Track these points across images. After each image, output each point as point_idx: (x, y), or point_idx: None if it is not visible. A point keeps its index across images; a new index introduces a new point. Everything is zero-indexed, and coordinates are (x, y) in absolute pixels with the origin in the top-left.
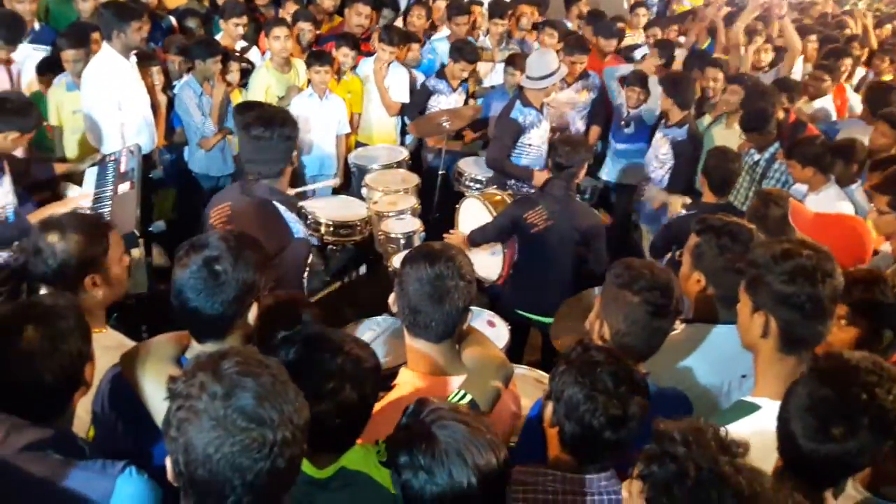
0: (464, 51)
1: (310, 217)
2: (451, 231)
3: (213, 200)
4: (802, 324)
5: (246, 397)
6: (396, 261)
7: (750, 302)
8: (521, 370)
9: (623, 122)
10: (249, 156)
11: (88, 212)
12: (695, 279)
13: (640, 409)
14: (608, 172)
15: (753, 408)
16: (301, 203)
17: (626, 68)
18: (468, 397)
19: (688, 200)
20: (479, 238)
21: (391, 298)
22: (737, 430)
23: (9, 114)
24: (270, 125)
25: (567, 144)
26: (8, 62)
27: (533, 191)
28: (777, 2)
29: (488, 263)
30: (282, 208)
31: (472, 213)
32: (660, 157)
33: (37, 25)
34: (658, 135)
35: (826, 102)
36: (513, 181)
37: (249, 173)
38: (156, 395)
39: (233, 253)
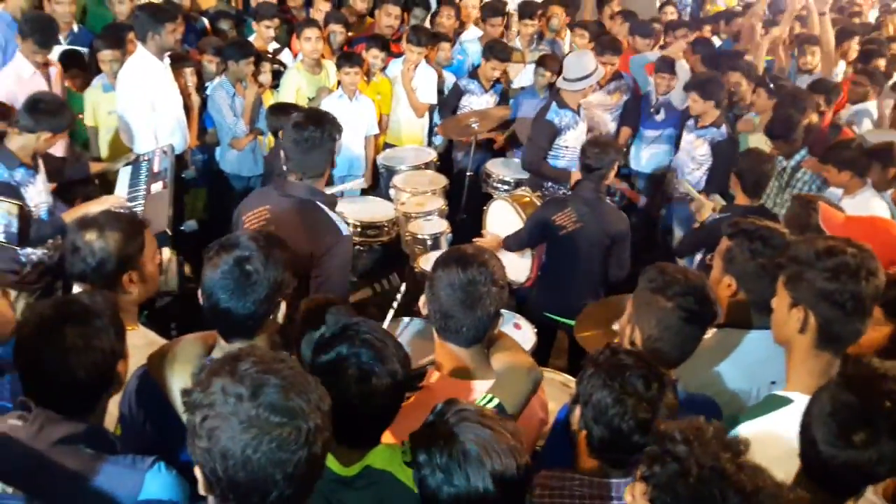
0: (495, 49)
1: None
2: (482, 233)
3: (245, 205)
4: (842, 321)
5: (272, 393)
6: (424, 262)
7: (789, 297)
8: (547, 373)
9: (653, 109)
10: (295, 155)
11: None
12: (726, 283)
13: (670, 413)
14: (635, 160)
15: (785, 401)
16: None
17: (653, 55)
18: (495, 401)
19: (718, 206)
20: (514, 244)
21: (421, 301)
22: (768, 423)
23: (41, 114)
24: (320, 125)
25: (596, 146)
26: (46, 64)
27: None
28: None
29: (517, 266)
30: (325, 207)
31: (501, 215)
32: (697, 158)
33: (75, 27)
34: (690, 136)
35: (869, 106)
36: (549, 183)
37: (292, 173)
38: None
39: (263, 252)
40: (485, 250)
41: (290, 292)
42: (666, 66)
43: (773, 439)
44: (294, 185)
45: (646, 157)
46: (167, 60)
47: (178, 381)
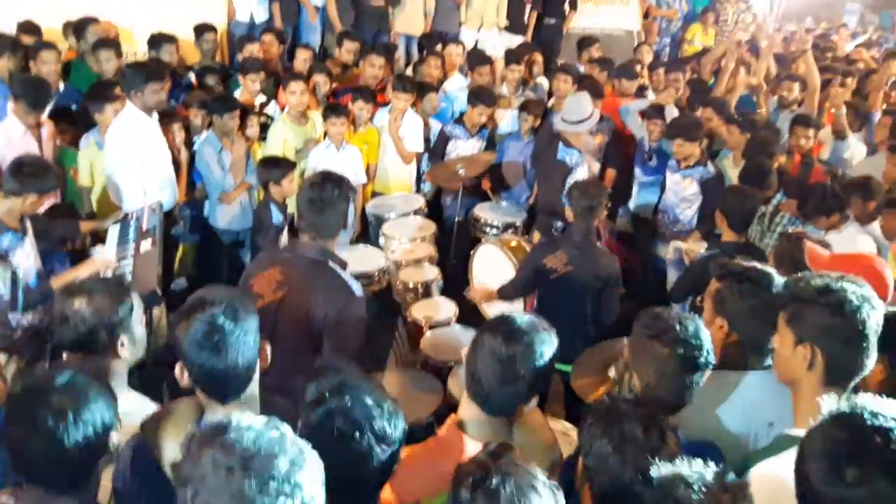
0: (482, 95)
1: None
2: (471, 284)
3: (255, 266)
4: (849, 355)
5: (264, 464)
6: (416, 311)
7: (793, 335)
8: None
9: (646, 156)
10: (308, 215)
11: (109, 274)
12: (718, 325)
13: (671, 461)
14: (636, 203)
15: (796, 441)
16: None
17: (642, 103)
18: None
19: (703, 244)
20: (510, 293)
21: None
22: (780, 463)
23: (26, 177)
24: (335, 185)
25: (584, 188)
26: (38, 124)
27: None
28: (800, 37)
29: (508, 312)
30: (337, 268)
31: (489, 260)
32: (687, 197)
33: (61, 86)
34: (676, 177)
35: (853, 140)
36: (559, 224)
37: (304, 232)
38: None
39: (229, 305)
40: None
41: (266, 336)
42: (656, 112)
43: (785, 480)
44: (306, 246)
45: (645, 201)
46: (156, 116)
47: (173, 449)
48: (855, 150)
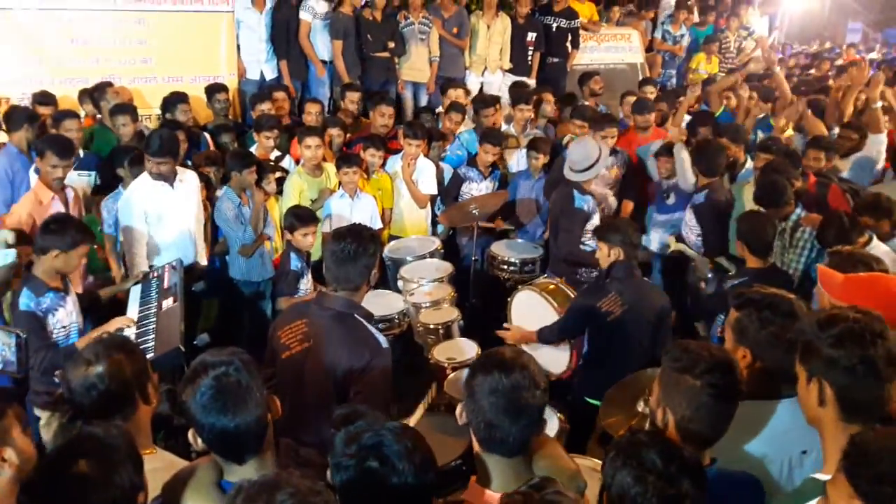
0: (488, 135)
1: None
2: (506, 326)
3: (282, 320)
4: (857, 388)
5: None
6: (438, 352)
7: (804, 372)
8: (577, 460)
9: (664, 194)
10: (332, 266)
11: (134, 332)
12: (740, 355)
13: (696, 490)
14: (651, 242)
15: (821, 486)
16: None
17: (658, 143)
18: None
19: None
20: (553, 336)
21: (458, 410)
22: None
23: (49, 234)
24: (357, 239)
25: (618, 227)
26: (63, 188)
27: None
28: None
29: (554, 357)
30: (363, 320)
31: (527, 306)
32: (689, 224)
33: (81, 153)
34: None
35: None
36: (582, 269)
37: (330, 285)
38: None
39: (239, 363)
40: (521, 352)
41: (273, 413)
42: (664, 150)
43: None
44: (332, 299)
45: (656, 239)
46: (190, 176)
47: None
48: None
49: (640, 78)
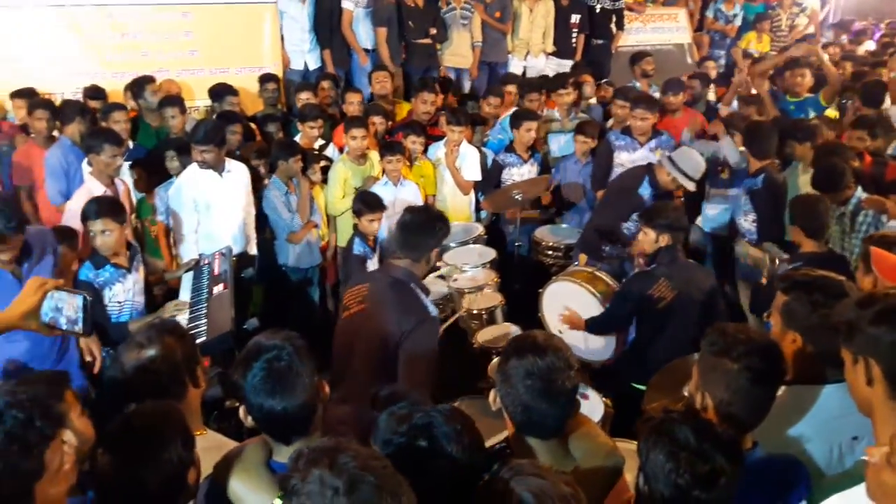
0: (520, 115)
1: None
2: (567, 311)
3: (351, 282)
4: None
5: (367, 491)
6: (481, 337)
7: (850, 354)
8: (620, 444)
9: (719, 168)
10: (401, 236)
11: (186, 317)
12: (790, 339)
13: (731, 467)
14: (705, 220)
15: None
16: None
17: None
18: None
19: (775, 256)
20: (603, 328)
21: (492, 396)
22: (861, 494)
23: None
24: (428, 216)
25: (664, 211)
26: (113, 183)
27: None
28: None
29: (600, 345)
30: (417, 290)
31: (563, 296)
32: (743, 207)
33: (130, 144)
34: (743, 186)
35: None
36: (607, 248)
37: (395, 253)
38: (251, 502)
39: (290, 348)
40: (552, 335)
41: (322, 399)
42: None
43: None
44: (393, 267)
45: (710, 216)
46: (234, 169)
47: (241, 487)
48: None
49: (688, 59)
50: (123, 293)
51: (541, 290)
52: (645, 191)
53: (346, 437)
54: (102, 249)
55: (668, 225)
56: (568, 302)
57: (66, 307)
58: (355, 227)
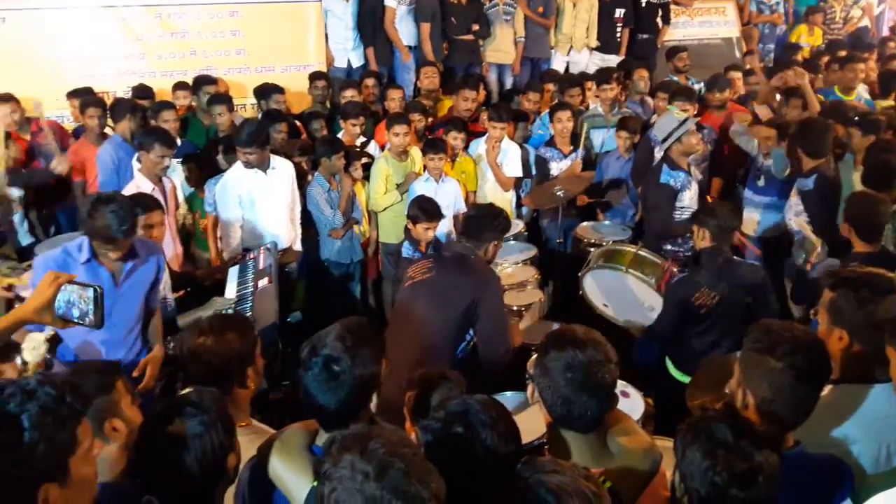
0: (556, 107)
1: None
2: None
3: (412, 263)
4: None
5: (397, 476)
6: (527, 321)
7: (895, 352)
8: (658, 441)
9: (756, 174)
10: (465, 225)
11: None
12: (836, 336)
13: (769, 465)
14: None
15: None
16: None
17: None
18: (608, 485)
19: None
20: (663, 331)
21: (529, 390)
22: None
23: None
24: (492, 212)
25: (714, 210)
26: (160, 181)
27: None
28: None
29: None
30: (478, 265)
31: (611, 286)
32: (794, 208)
33: (178, 141)
34: (795, 187)
35: None
36: (668, 246)
37: (458, 238)
38: (290, 483)
39: (350, 352)
40: (591, 329)
41: (379, 383)
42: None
43: None
44: (456, 245)
45: (747, 219)
46: (279, 166)
47: (284, 469)
48: None
49: (736, 52)
50: (160, 290)
51: (581, 276)
52: (667, 177)
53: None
54: None
55: (715, 224)
56: (612, 290)
57: (79, 300)
58: (407, 231)
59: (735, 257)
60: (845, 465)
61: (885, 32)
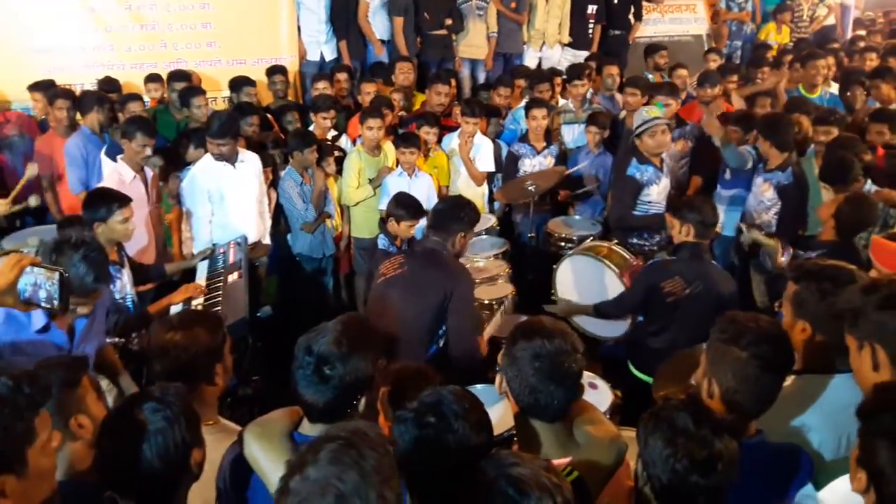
0: (531, 104)
1: None
2: (553, 299)
3: (384, 259)
4: None
5: (354, 477)
6: (492, 327)
7: (855, 340)
8: (625, 432)
9: (723, 169)
10: (433, 217)
11: (200, 307)
12: (800, 328)
13: (729, 452)
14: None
15: None
16: None
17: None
18: (574, 475)
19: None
20: (613, 310)
21: (497, 380)
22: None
23: (85, 208)
24: (457, 206)
25: (693, 205)
26: (142, 170)
27: (661, 255)
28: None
29: (614, 322)
30: (450, 257)
31: (580, 272)
32: (765, 202)
33: None
34: (759, 179)
35: None
36: (634, 239)
37: (430, 233)
38: (266, 467)
39: (343, 357)
40: (558, 320)
41: (371, 385)
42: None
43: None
44: (427, 241)
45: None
46: (247, 159)
47: (263, 454)
48: None
49: (705, 50)
50: (122, 288)
51: (555, 266)
52: (634, 170)
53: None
54: (123, 237)
55: (695, 219)
56: (585, 277)
57: (45, 282)
58: (381, 224)
59: (713, 262)
60: (805, 453)
61: (850, 31)
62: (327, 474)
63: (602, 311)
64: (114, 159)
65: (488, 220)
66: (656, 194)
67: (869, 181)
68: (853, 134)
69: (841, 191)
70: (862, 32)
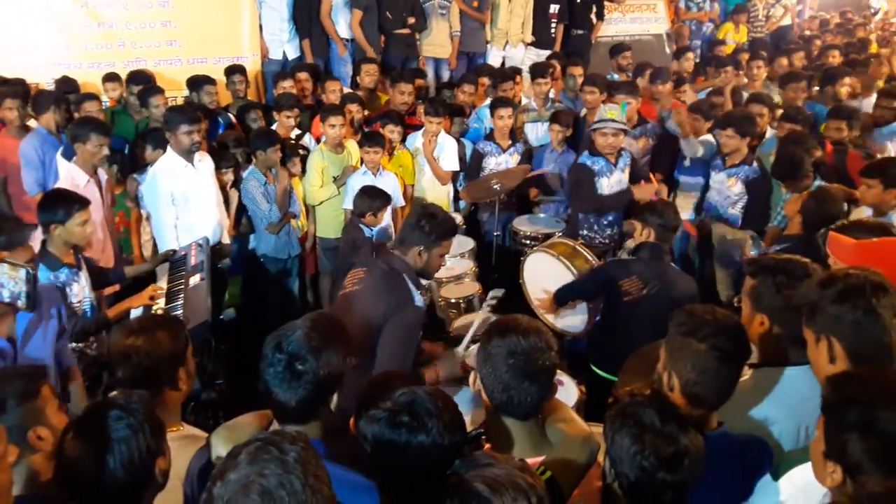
0: (496, 103)
1: None
2: (540, 300)
3: (354, 264)
4: (864, 340)
5: (274, 479)
6: (459, 325)
7: (812, 333)
8: (594, 428)
9: (684, 157)
10: (403, 231)
11: (160, 310)
12: (758, 321)
13: (695, 448)
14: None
15: None
16: None
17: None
18: (547, 474)
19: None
20: (566, 296)
21: (472, 377)
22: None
23: (41, 210)
24: (423, 216)
25: (655, 208)
26: (95, 173)
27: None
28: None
29: (574, 318)
30: (409, 281)
31: (540, 269)
32: (731, 197)
33: None
34: (720, 175)
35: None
36: (584, 231)
37: (395, 244)
38: None
39: (315, 353)
40: (529, 318)
41: (342, 383)
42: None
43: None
44: (392, 257)
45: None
46: (207, 159)
47: (222, 451)
48: None
49: (666, 49)
50: (80, 291)
51: (523, 258)
52: (586, 159)
53: None
54: (59, 249)
55: (656, 222)
56: (547, 275)
57: (10, 281)
58: (357, 218)
59: (672, 265)
60: (766, 445)
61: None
62: (248, 473)
63: (559, 296)
64: (70, 160)
65: (455, 219)
66: (606, 187)
67: (818, 177)
68: (804, 130)
69: (791, 186)
70: (808, 32)
